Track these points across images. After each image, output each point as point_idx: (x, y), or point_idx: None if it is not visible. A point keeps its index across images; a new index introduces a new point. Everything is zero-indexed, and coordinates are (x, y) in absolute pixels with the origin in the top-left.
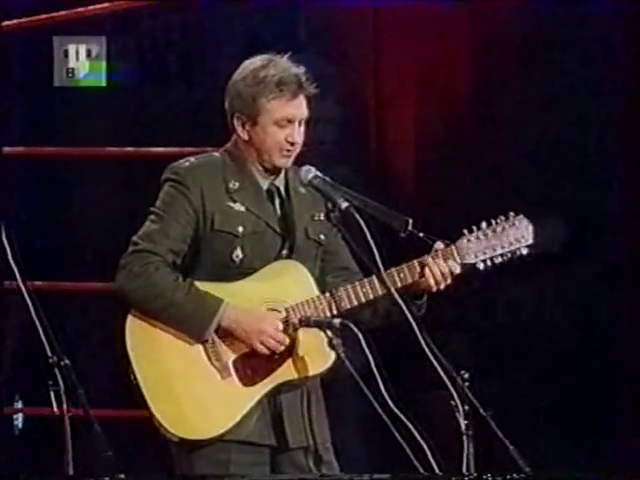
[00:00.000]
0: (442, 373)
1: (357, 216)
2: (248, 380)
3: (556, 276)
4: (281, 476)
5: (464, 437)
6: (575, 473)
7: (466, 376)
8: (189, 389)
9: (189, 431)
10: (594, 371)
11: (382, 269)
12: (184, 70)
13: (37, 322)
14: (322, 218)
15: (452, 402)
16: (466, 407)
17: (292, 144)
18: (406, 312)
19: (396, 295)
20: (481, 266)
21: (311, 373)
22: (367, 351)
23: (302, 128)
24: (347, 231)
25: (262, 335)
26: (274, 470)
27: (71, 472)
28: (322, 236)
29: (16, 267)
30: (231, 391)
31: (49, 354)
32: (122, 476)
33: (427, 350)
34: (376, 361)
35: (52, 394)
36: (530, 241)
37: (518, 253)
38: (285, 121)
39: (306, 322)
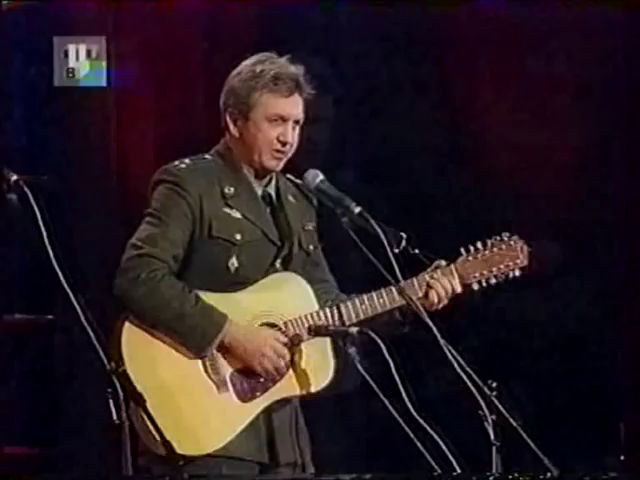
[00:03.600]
0: (469, 383)
1: (372, 221)
2: (246, 395)
3: (553, 289)
4: (280, 477)
5: (493, 448)
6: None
7: (494, 385)
8: (185, 403)
9: (183, 446)
10: (591, 382)
11: (399, 278)
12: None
13: (90, 330)
14: (311, 228)
15: (480, 412)
16: (493, 417)
17: (284, 144)
18: (430, 323)
19: (419, 306)
20: (476, 287)
21: (310, 390)
22: (389, 359)
23: (297, 131)
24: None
25: (262, 358)
26: None
27: None
28: (311, 247)
29: (61, 273)
30: (228, 406)
31: (105, 362)
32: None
33: (453, 361)
34: (397, 369)
35: (111, 402)
36: (525, 263)
37: (511, 275)
38: (278, 118)
39: (319, 331)
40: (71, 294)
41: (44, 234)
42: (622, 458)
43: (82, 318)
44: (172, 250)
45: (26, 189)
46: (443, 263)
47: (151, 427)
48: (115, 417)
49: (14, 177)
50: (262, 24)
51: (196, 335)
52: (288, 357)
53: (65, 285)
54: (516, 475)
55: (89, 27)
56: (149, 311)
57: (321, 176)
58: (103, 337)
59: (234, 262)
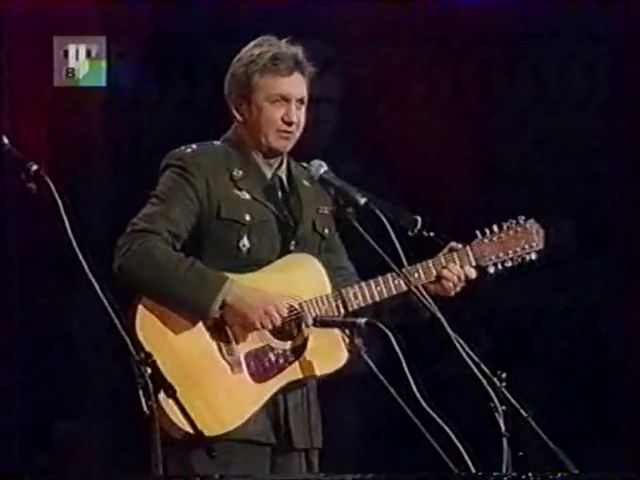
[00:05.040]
0: (479, 374)
1: (378, 212)
2: (259, 377)
3: (557, 278)
4: (282, 476)
5: (503, 439)
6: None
7: (503, 376)
8: (199, 384)
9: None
10: (595, 372)
11: (406, 266)
12: (185, 70)
13: (117, 321)
14: (326, 212)
15: (491, 404)
16: (504, 408)
17: (289, 124)
18: (436, 312)
19: (423, 293)
20: (492, 270)
21: (323, 372)
22: (398, 350)
23: (302, 110)
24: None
25: (265, 316)
26: (272, 470)
27: (160, 472)
28: (326, 230)
29: (85, 262)
30: (242, 388)
31: (134, 352)
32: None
33: (462, 351)
34: (407, 360)
35: (140, 392)
36: (541, 246)
37: (528, 258)
38: (280, 98)
39: (325, 323)
40: (96, 284)
41: (67, 224)
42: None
43: (109, 308)
44: (169, 226)
45: (47, 179)
46: (458, 246)
47: (181, 416)
48: (145, 408)
49: (34, 167)
50: (264, 18)
51: (196, 297)
52: (300, 340)
53: (90, 275)
54: (529, 475)
55: (89, 27)
56: (146, 279)
57: (325, 166)
58: (130, 327)
59: (245, 243)
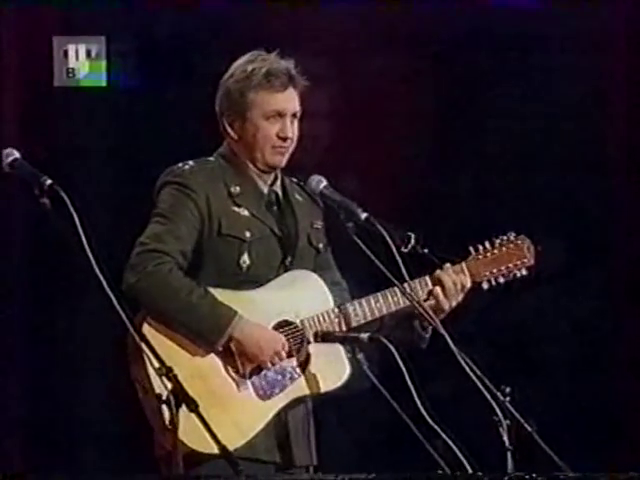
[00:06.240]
0: (482, 388)
1: (379, 226)
2: (264, 394)
3: (558, 290)
4: (282, 476)
5: (507, 452)
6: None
7: (507, 391)
8: (205, 400)
9: (200, 443)
10: (597, 383)
11: (407, 281)
12: (185, 70)
13: (137, 337)
14: (320, 227)
15: (495, 417)
16: (507, 422)
17: (284, 139)
18: (437, 324)
19: (423, 306)
20: (485, 285)
21: (325, 389)
22: (402, 365)
23: (295, 124)
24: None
25: (274, 356)
26: None
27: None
28: (321, 244)
29: (103, 277)
30: (247, 405)
31: (157, 365)
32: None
33: (465, 366)
34: (410, 375)
35: (163, 406)
36: (531, 262)
37: (518, 274)
38: (275, 114)
39: (327, 337)
40: (114, 299)
41: (83, 238)
42: None
43: (127, 323)
44: (179, 246)
45: (62, 194)
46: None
47: (204, 431)
48: (168, 422)
49: (48, 182)
50: (260, 22)
51: (206, 327)
52: (302, 357)
53: (108, 290)
54: (532, 476)
55: (89, 27)
56: (159, 302)
57: (325, 181)
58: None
59: (246, 259)
